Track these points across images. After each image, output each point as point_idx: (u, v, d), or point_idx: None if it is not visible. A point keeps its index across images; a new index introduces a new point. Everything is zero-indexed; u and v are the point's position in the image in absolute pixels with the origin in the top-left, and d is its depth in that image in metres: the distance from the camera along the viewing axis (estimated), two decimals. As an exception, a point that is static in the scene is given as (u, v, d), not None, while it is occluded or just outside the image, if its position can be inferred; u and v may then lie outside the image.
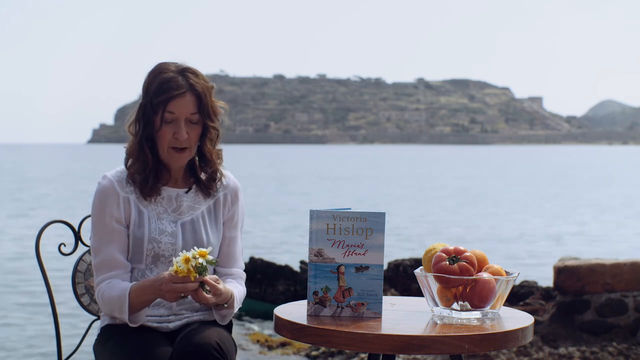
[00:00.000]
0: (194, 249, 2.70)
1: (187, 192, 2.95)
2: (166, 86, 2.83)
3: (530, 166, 78.34)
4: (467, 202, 30.60)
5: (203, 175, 2.97)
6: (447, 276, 2.57)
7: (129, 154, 2.90)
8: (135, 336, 2.79)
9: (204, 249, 2.69)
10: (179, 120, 2.84)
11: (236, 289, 2.90)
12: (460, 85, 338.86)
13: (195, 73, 2.87)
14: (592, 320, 6.62)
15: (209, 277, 2.71)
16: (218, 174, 2.98)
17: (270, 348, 7.61)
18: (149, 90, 2.85)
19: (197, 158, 2.97)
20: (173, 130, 2.84)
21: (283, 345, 7.61)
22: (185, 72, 2.86)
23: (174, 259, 2.69)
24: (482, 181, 48.09)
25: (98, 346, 2.89)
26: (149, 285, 2.74)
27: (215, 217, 2.96)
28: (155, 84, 2.84)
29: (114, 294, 2.79)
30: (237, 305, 2.90)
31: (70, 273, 3.15)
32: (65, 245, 3.10)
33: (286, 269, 9.90)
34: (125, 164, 2.92)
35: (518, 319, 2.63)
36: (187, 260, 2.66)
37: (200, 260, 2.67)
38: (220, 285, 2.75)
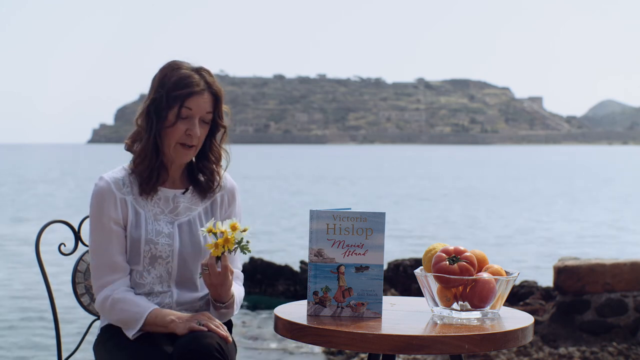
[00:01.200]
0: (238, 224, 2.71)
1: (183, 193, 2.94)
2: (186, 82, 2.82)
3: (530, 166, 78.32)
4: (467, 202, 30.60)
5: (201, 177, 2.96)
6: (447, 276, 2.57)
7: (139, 152, 2.86)
8: (137, 335, 2.78)
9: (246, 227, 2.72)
10: (194, 117, 2.84)
11: (236, 290, 2.90)
12: (460, 85, 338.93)
13: (210, 73, 2.89)
14: (592, 320, 6.62)
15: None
16: (216, 176, 2.97)
17: (270, 348, 7.61)
18: (165, 83, 2.83)
19: (194, 159, 2.96)
20: (186, 127, 2.83)
21: (283, 345, 7.61)
22: (201, 71, 2.87)
23: (218, 223, 2.70)
24: (482, 181, 48.08)
25: (98, 346, 2.89)
26: (168, 322, 2.73)
27: (213, 217, 2.96)
28: (173, 78, 2.83)
29: (131, 310, 2.77)
30: (237, 307, 2.90)
31: (70, 273, 3.15)
32: (65, 245, 3.09)
33: (286, 269, 9.90)
34: (134, 162, 2.89)
35: (518, 319, 2.63)
36: (234, 228, 2.68)
37: (244, 237, 2.69)
38: (230, 278, 2.76)
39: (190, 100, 2.82)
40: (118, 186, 2.86)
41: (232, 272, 2.75)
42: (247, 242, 2.70)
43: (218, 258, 2.71)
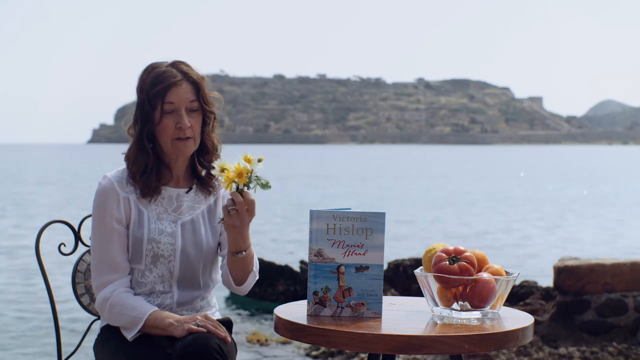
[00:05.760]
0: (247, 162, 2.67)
1: (187, 192, 2.95)
2: (161, 77, 2.83)
3: (530, 166, 78.31)
4: (466, 202, 30.60)
5: (203, 173, 2.97)
6: (447, 276, 2.57)
7: (127, 156, 2.89)
8: (135, 337, 2.78)
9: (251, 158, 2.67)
10: (179, 109, 2.84)
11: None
12: (460, 85, 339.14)
13: (186, 64, 2.90)
14: (592, 320, 6.62)
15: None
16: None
17: (270, 348, 7.61)
18: (144, 87, 2.85)
19: (195, 155, 2.96)
20: (175, 121, 2.84)
21: (283, 345, 7.61)
22: (176, 63, 2.89)
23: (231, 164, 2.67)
24: (481, 181, 48.08)
25: (98, 346, 2.89)
26: (166, 325, 2.73)
27: (216, 215, 2.96)
28: (149, 78, 2.85)
29: (129, 314, 2.77)
30: (255, 264, 2.90)
31: (70, 273, 3.15)
32: (65, 245, 3.09)
33: (286, 269, 9.89)
34: (127, 167, 2.91)
35: (518, 319, 2.63)
36: (247, 160, 2.66)
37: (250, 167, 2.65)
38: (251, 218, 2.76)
39: (170, 94, 2.83)
40: (122, 185, 2.87)
41: (253, 214, 2.74)
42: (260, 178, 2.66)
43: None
